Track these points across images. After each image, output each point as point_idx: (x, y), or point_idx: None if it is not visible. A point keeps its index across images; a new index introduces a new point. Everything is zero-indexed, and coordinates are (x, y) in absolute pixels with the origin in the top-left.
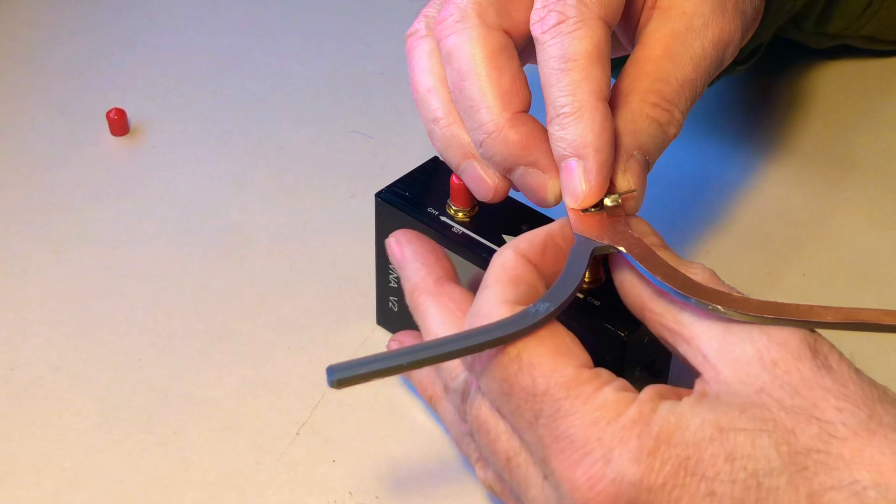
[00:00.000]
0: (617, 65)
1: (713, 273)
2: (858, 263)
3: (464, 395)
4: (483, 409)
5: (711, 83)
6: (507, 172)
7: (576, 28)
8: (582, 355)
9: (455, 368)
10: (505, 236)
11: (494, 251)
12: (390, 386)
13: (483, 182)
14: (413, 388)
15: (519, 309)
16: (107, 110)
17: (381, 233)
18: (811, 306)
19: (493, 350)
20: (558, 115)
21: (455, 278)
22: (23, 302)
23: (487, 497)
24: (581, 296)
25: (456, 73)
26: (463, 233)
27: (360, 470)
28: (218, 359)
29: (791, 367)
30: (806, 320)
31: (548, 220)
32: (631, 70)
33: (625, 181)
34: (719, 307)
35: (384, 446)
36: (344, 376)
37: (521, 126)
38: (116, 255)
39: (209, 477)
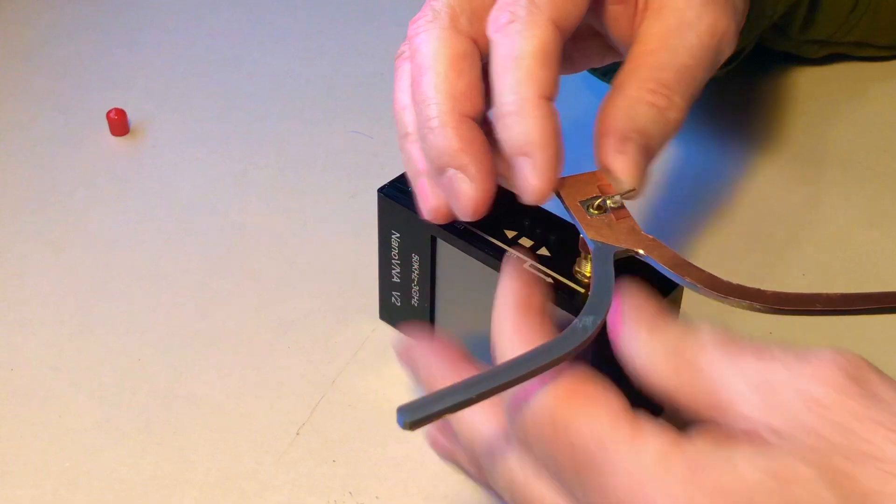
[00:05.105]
0: (612, 70)
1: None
2: (858, 263)
3: (490, 460)
4: (515, 471)
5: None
6: (439, 173)
7: (524, 28)
8: (616, 401)
9: (475, 439)
10: (507, 231)
11: (497, 247)
12: (390, 386)
13: (426, 199)
14: (413, 389)
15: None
16: (107, 110)
17: (384, 228)
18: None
19: (530, 417)
20: (503, 114)
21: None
22: (23, 302)
23: (487, 497)
24: (584, 291)
25: (416, 68)
26: (465, 228)
27: (360, 470)
28: (218, 359)
29: (836, 402)
30: (832, 309)
31: (548, 214)
32: (628, 65)
33: (619, 162)
34: (756, 304)
35: (384, 446)
36: (417, 418)
37: (464, 129)
38: (116, 255)
39: (209, 477)
